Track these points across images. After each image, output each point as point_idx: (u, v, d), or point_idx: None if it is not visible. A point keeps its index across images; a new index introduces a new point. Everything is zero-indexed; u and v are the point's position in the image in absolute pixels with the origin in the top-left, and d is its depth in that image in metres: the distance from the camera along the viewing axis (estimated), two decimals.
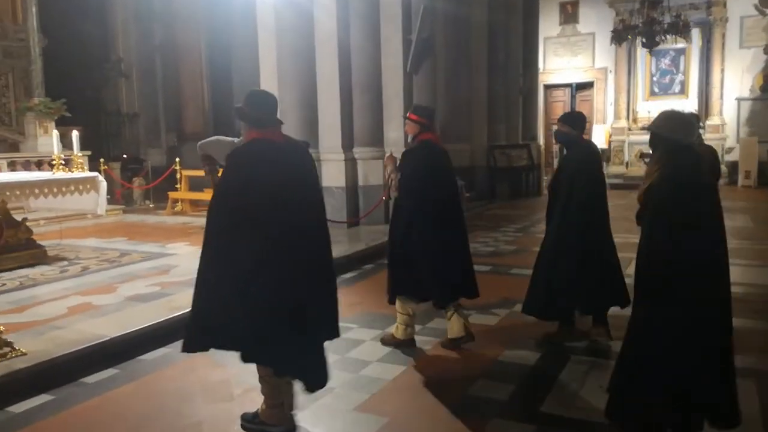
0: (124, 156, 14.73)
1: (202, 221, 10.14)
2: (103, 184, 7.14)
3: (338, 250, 6.37)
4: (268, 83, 9.14)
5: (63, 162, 7.02)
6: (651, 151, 2.94)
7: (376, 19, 8.95)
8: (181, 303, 5.05)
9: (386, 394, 3.64)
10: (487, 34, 13.34)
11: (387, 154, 4.59)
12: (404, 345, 4.39)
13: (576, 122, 4.51)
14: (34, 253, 6.63)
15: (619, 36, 13.29)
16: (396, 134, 9.25)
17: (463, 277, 4.36)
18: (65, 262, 6.75)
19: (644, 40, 12.40)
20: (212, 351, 4.26)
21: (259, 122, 3.01)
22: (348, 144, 8.99)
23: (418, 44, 8.92)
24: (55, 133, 7.72)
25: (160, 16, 16.41)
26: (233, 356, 4.23)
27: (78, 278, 6.05)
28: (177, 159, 11.73)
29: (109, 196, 11.24)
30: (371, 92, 9.08)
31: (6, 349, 3.75)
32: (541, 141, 17.04)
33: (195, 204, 11.24)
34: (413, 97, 9.34)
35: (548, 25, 17.76)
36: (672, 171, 2.73)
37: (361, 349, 4.38)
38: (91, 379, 3.87)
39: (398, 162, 4.37)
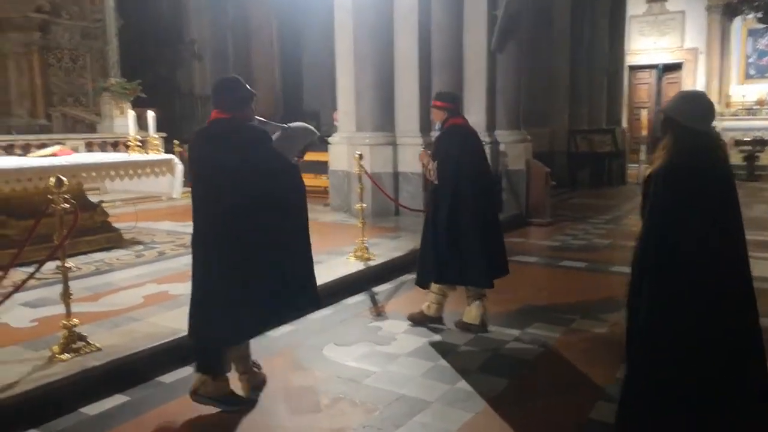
0: None
1: None
2: (179, 167, 6.96)
3: (415, 241, 5.95)
4: (344, 63, 8.79)
5: (139, 143, 6.88)
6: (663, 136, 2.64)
7: None
8: None
9: (489, 417, 3.19)
10: (571, 11, 12.54)
11: (421, 151, 4.50)
12: (433, 322, 4.47)
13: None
14: (110, 236, 6.52)
15: (733, 10, 12.16)
16: (477, 117, 8.67)
17: (499, 257, 4.43)
18: (141, 247, 6.62)
19: (760, 15, 11.30)
20: (292, 352, 4.02)
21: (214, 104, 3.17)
22: (426, 127, 8.51)
23: (504, 20, 8.31)
24: (131, 113, 7.60)
25: None
26: (316, 358, 3.98)
27: (154, 264, 5.88)
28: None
29: (183, 179, 11.30)
30: (451, 72, 8.55)
31: (80, 344, 3.53)
32: (626, 125, 16.07)
33: None
34: (496, 77, 8.76)
35: (634, 3, 16.64)
36: (681, 158, 2.47)
37: (457, 356, 3.95)
38: (168, 378, 3.61)
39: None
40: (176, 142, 11.38)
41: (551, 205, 9.10)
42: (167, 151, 11.27)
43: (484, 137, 8.52)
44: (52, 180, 3.44)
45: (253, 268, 3.02)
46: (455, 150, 4.24)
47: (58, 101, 12.93)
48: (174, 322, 4.09)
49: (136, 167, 6.50)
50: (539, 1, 11.51)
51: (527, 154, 9.13)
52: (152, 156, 6.78)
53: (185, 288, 4.89)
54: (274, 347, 4.15)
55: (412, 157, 8.42)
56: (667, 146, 2.54)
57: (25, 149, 8.91)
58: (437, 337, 4.28)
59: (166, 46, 16.27)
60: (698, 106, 2.58)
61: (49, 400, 3.13)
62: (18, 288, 3.47)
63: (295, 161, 3.36)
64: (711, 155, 2.51)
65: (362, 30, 8.40)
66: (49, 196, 3.47)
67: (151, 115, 6.99)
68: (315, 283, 3.34)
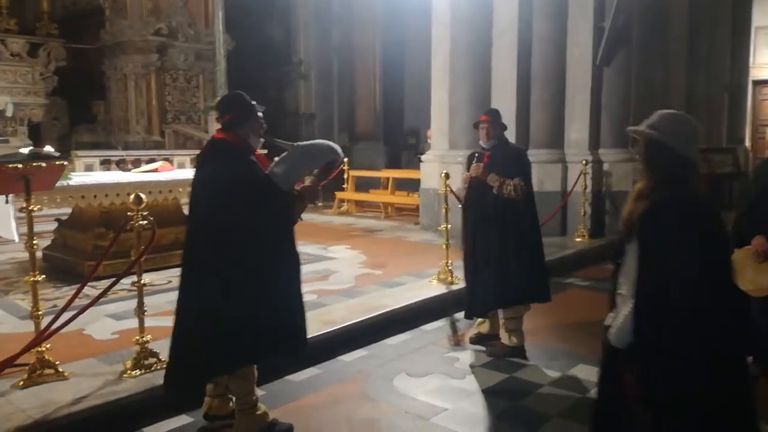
0: None
1: (366, 222, 9.91)
2: None
3: None
4: (439, 80, 8.62)
5: None
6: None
7: (563, 5, 7.99)
8: (336, 316, 4.66)
9: None
10: (688, 23, 11.64)
11: (474, 165, 4.28)
12: (517, 351, 4.23)
13: None
14: None
15: None
16: (579, 135, 8.23)
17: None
18: None
19: None
20: (362, 380, 3.84)
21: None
22: (523, 145, 8.12)
23: (612, 32, 7.81)
24: None
25: (338, 17, 16.65)
26: (386, 388, 3.78)
27: None
28: (345, 159, 11.63)
29: None
30: (552, 87, 8.14)
31: (151, 360, 3.53)
32: (748, 144, 14.71)
33: (360, 204, 11.07)
34: (601, 92, 8.23)
35: (761, 13, 15.24)
36: (679, 192, 2.11)
37: (539, 398, 3.60)
38: None
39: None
40: (276, 159, 11.68)
41: None
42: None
43: (586, 156, 8.03)
44: (131, 197, 3.48)
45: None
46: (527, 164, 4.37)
47: (172, 119, 13.70)
48: None
49: None
50: (653, 12, 10.80)
51: (634, 174, 8.47)
52: None
53: None
54: (345, 372, 4.00)
55: None
56: (659, 177, 2.17)
57: (136, 164, 9.42)
58: (519, 374, 3.94)
59: (275, 67, 16.85)
60: (687, 129, 2.20)
61: (114, 417, 3.13)
62: (93, 302, 3.53)
63: (293, 186, 3.02)
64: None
65: (459, 45, 8.21)
66: (129, 213, 3.52)
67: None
68: (290, 332, 3.02)
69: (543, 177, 8.19)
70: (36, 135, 13.06)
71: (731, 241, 2.26)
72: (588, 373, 3.90)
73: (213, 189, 2.85)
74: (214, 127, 10.93)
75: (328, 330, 4.38)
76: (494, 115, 4.35)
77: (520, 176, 4.13)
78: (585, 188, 7.87)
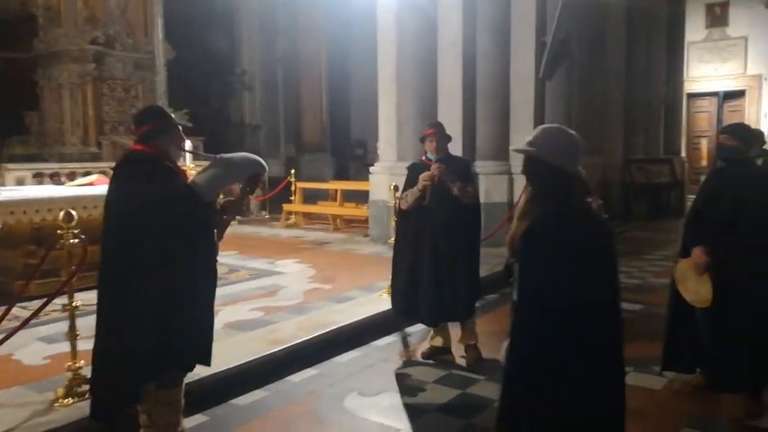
0: None
1: (315, 235, 9.74)
2: None
3: None
4: (387, 93, 8.61)
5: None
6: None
7: (506, 21, 8.12)
8: (284, 334, 4.52)
9: None
10: (626, 38, 12.07)
11: (435, 165, 4.20)
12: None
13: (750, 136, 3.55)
14: None
15: None
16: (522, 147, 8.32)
17: None
18: None
19: None
20: (312, 402, 3.70)
21: None
22: (469, 157, 8.18)
23: (553, 47, 7.97)
24: (188, 143, 7.58)
25: (283, 27, 16.50)
26: (336, 409, 3.66)
27: None
28: (292, 170, 11.47)
29: None
30: (497, 100, 8.24)
31: (85, 387, 3.31)
32: (684, 155, 15.31)
33: (309, 217, 10.92)
34: (545, 105, 8.38)
35: (692, 29, 15.96)
36: (558, 208, 2.08)
37: (493, 411, 3.55)
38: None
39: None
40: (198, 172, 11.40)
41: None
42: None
43: None
44: (61, 214, 3.27)
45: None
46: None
47: (110, 129, 13.19)
48: None
49: None
50: (592, 28, 11.13)
51: None
52: None
53: None
54: (294, 394, 3.86)
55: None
56: (539, 194, 2.17)
57: (71, 177, 9.01)
58: (472, 389, 3.90)
59: (219, 77, 16.52)
60: (567, 141, 2.19)
61: None
62: (22, 326, 3.30)
63: (215, 198, 2.86)
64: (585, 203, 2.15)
65: (406, 58, 8.23)
66: (59, 231, 3.30)
67: (188, 144, 6.91)
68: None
69: (490, 188, 8.27)
70: None
71: (613, 254, 2.22)
72: None
73: (129, 201, 2.68)
74: None
75: (276, 349, 4.24)
76: (440, 128, 4.38)
77: (470, 183, 4.30)
78: None
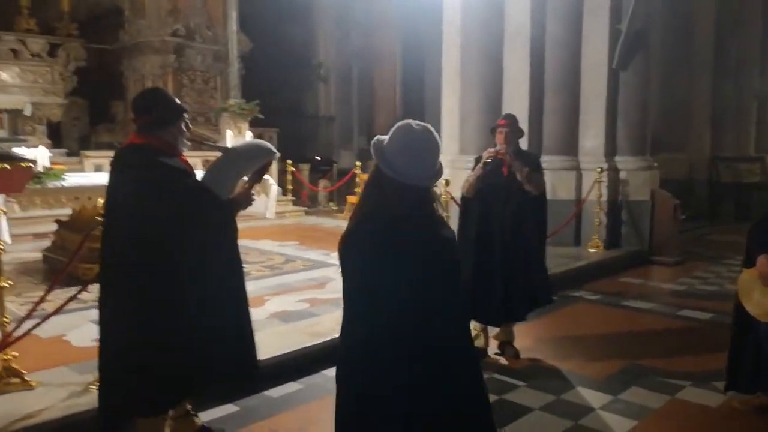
0: (317, 158, 14.99)
1: None
2: (274, 188, 6.94)
3: None
4: (450, 85, 8.41)
5: None
6: None
7: (578, 8, 7.72)
8: (324, 328, 4.48)
9: None
10: (715, 28, 11.28)
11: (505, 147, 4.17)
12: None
13: None
14: None
15: None
16: (594, 142, 7.93)
17: None
18: None
19: None
20: None
21: None
22: (535, 151, 7.88)
23: (629, 36, 7.51)
24: (249, 133, 7.78)
25: (358, 21, 16.53)
26: None
27: None
28: (357, 162, 11.47)
29: (294, 198, 11.45)
30: (566, 92, 7.87)
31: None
32: None
33: None
34: (617, 98, 7.93)
35: None
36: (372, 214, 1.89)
37: (527, 423, 3.37)
38: (205, 416, 3.37)
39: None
40: (289, 162, 11.58)
41: (680, 241, 8.06)
42: (281, 171, 11.54)
43: (602, 163, 7.74)
44: (100, 200, 3.35)
45: None
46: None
47: (190, 120, 13.66)
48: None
49: None
50: (678, 17, 10.46)
51: (653, 183, 8.16)
52: None
53: (254, 314, 4.75)
54: (327, 389, 3.80)
55: None
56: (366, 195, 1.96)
57: None
58: (510, 395, 3.71)
59: (295, 70, 16.80)
60: (405, 140, 1.87)
61: None
62: (56, 312, 3.42)
63: (229, 193, 2.77)
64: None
65: (470, 49, 7.99)
66: (97, 217, 3.38)
67: (248, 135, 7.03)
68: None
69: (556, 184, 7.91)
70: (56, 135, 13.15)
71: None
72: (585, 398, 3.67)
73: (142, 202, 2.54)
74: (226, 128, 10.92)
75: (313, 343, 4.21)
76: (513, 120, 4.32)
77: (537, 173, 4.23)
78: (600, 197, 7.58)
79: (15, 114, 11.64)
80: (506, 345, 4.35)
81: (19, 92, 12.22)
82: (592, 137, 7.93)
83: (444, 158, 8.62)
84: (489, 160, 4.08)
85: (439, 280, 1.88)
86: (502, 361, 4.28)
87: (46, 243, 6.73)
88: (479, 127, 7.91)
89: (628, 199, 8.00)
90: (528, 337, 4.78)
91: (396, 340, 1.85)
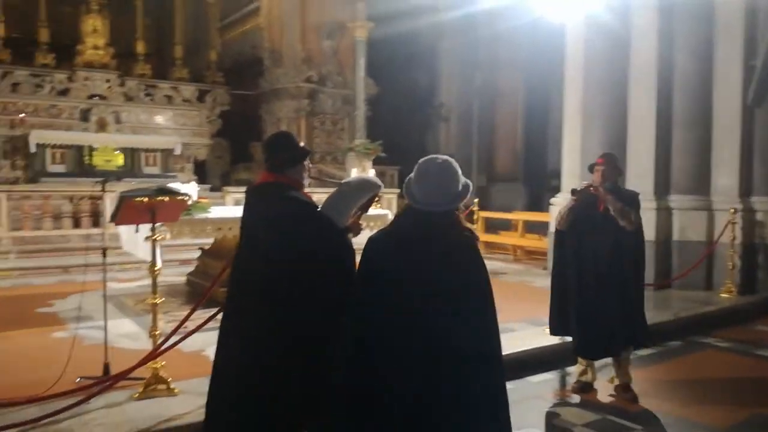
0: None
1: (492, 264, 9.58)
2: (389, 219, 7.21)
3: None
4: (571, 122, 8.36)
5: None
6: None
7: (709, 42, 7.45)
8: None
9: None
10: None
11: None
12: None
13: None
14: None
15: None
16: (727, 181, 7.52)
17: None
18: None
19: None
20: None
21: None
22: (662, 190, 7.62)
23: (764, 71, 7.13)
24: (372, 171, 8.24)
25: (483, 60, 16.83)
26: None
27: None
28: (476, 199, 11.57)
29: None
30: (696, 129, 7.57)
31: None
32: None
33: (489, 246, 10.91)
34: (754, 135, 7.51)
35: None
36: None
37: None
38: None
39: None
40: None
41: None
42: (400, 206, 11.92)
43: (735, 203, 7.33)
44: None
45: None
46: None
47: (319, 159, 14.54)
48: None
49: None
50: None
51: None
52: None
53: None
54: None
55: (645, 223, 7.60)
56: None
57: None
58: None
59: (419, 111, 17.36)
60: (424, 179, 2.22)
61: None
62: (197, 329, 3.84)
63: (342, 225, 2.86)
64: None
65: (592, 85, 7.94)
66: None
67: (371, 172, 7.43)
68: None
69: (685, 225, 7.60)
70: (201, 172, 14.49)
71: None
72: None
73: (284, 238, 2.71)
74: (352, 165, 11.51)
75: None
76: (611, 158, 4.42)
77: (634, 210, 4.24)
78: (733, 239, 7.16)
79: (167, 153, 12.97)
80: (623, 387, 4.25)
81: (171, 133, 13.66)
82: (725, 175, 7.54)
83: (564, 196, 8.58)
84: (578, 190, 4.21)
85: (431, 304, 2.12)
86: (618, 402, 4.18)
87: (190, 268, 7.44)
88: None
89: (765, 242, 7.48)
90: (647, 381, 4.63)
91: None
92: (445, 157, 2.26)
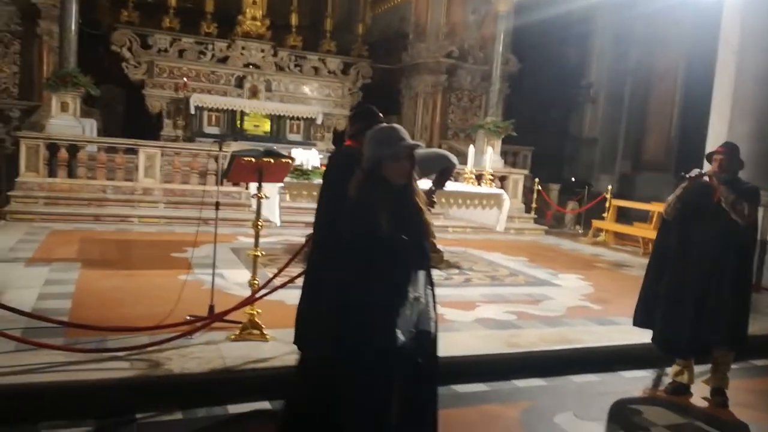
0: (572, 179, 14.71)
1: (617, 256, 9.27)
2: (506, 202, 7.14)
3: (763, 326, 4.85)
4: (719, 109, 7.72)
5: (473, 176, 7.31)
6: None
7: None
8: (522, 341, 4.60)
9: None
10: None
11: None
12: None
13: None
14: (432, 256, 7.03)
15: None
16: None
17: None
18: (456, 271, 7.00)
19: None
20: (523, 407, 3.73)
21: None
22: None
23: None
24: (489, 149, 8.21)
25: (639, 39, 15.76)
26: (542, 421, 3.61)
27: (454, 288, 6.18)
28: (609, 186, 11.01)
29: (536, 216, 11.47)
30: None
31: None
32: None
33: (620, 237, 10.37)
34: None
35: None
36: None
37: None
38: None
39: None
40: (537, 180, 11.60)
41: None
42: (527, 189, 11.66)
43: None
44: None
45: None
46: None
47: (452, 135, 14.56)
48: None
49: (465, 198, 6.92)
50: None
51: None
52: (483, 189, 7.11)
53: (461, 316, 5.08)
54: (510, 396, 3.95)
55: None
56: None
57: None
58: None
59: (564, 89, 16.67)
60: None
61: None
62: (288, 282, 4.13)
63: None
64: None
65: (745, 72, 7.25)
66: None
67: (489, 151, 7.37)
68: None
69: None
70: (340, 142, 15.11)
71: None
72: None
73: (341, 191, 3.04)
74: (482, 143, 11.41)
75: (509, 351, 4.36)
76: (731, 148, 4.16)
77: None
78: None
79: (309, 122, 13.66)
80: (716, 391, 3.98)
81: (315, 103, 14.35)
82: None
83: None
84: (689, 177, 3.96)
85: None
86: (710, 409, 3.92)
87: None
88: (748, 156, 7.04)
89: None
90: (749, 390, 4.30)
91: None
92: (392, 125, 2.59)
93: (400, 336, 2.32)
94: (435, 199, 3.16)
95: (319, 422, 2.42)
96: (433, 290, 2.58)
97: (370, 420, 2.35)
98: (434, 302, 2.58)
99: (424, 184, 3.31)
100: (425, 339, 2.43)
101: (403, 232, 2.39)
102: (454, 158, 3.23)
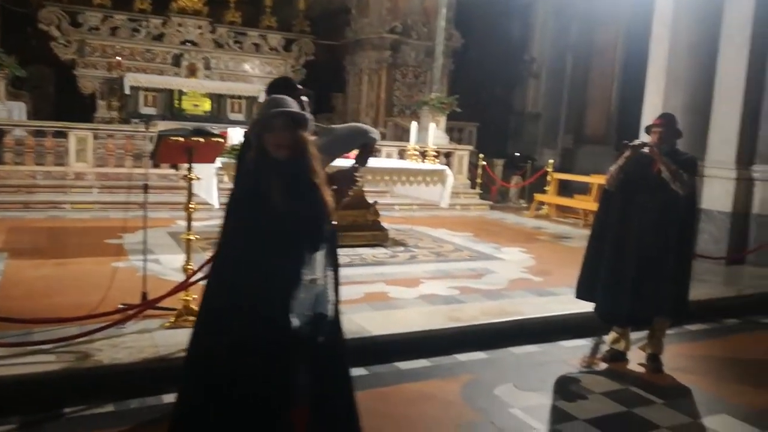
0: (516, 154, 14.90)
1: (559, 228, 9.48)
2: (449, 178, 7.13)
3: (698, 292, 5.01)
4: (654, 82, 7.86)
5: (417, 153, 7.27)
6: None
7: None
8: (464, 315, 4.62)
9: None
10: None
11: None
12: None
13: None
14: (377, 234, 7.05)
15: None
16: None
17: None
18: (401, 248, 6.99)
19: None
20: (464, 381, 3.76)
21: None
22: (745, 159, 7.08)
23: None
24: (432, 126, 8.18)
25: (580, 14, 15.97)
26: (483, 394, 3.65)
27: (399, 266, 6.17)
28: (550, 161, 11.19)
29: (481, 192, 11.58)
30: None
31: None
32: None
33: (562, 209, 10.58)
34: None
35: None
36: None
37: None
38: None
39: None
40: (481, 155, 11.69)
41: None
42: (472, 165, 11.74)
43: None
44: None
45: None
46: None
47: (398, 112, 14.49)
48: (366, 322, 4.24)
49: (408, 174, 6.88)
50: None
51: None
52: (425, 165, 7.09)
53: (405, 293, 5.07)
54: (452, 370, 3.97)
55: (722, 193, 7.14)
56: None
57: None
58: (640, 410, 3.51)
59: (507, 65, 16.78)
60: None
61: None
62: None
63: None
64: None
65: (678, 45, 7.41)
66: None
67: (431, 127, 7.34)
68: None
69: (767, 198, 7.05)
70: None
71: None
72: (726, 427, 3.34)
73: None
74: (427, 120, 11.38)
75: (450, 326, 4.38)
76: (669, 120, 4.17)
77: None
78: None
79: (251, 100, 13.34)
80: (651, 357, 4.10)
81: (256, 81, 14.02)
82: None
83: None
84: (631, 145, 4.00)
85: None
86: (646, 374, 4.03)
87: None
88: (683, 127, 7.22)
89: None
90: (689, 356, 4.46)
91: None
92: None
93: (294, 320, 2.23)
94: (359, 177, 3.07)
95: (215, 414, 2.31)
96: (336, 272, 2.51)
97: (267, 408, 2.27)
98: (336, 284, 2.50)
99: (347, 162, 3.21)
100: (322, 322, 2.34)
101: (295, 211, 2.28)
102: (375, 132, 3.14)
